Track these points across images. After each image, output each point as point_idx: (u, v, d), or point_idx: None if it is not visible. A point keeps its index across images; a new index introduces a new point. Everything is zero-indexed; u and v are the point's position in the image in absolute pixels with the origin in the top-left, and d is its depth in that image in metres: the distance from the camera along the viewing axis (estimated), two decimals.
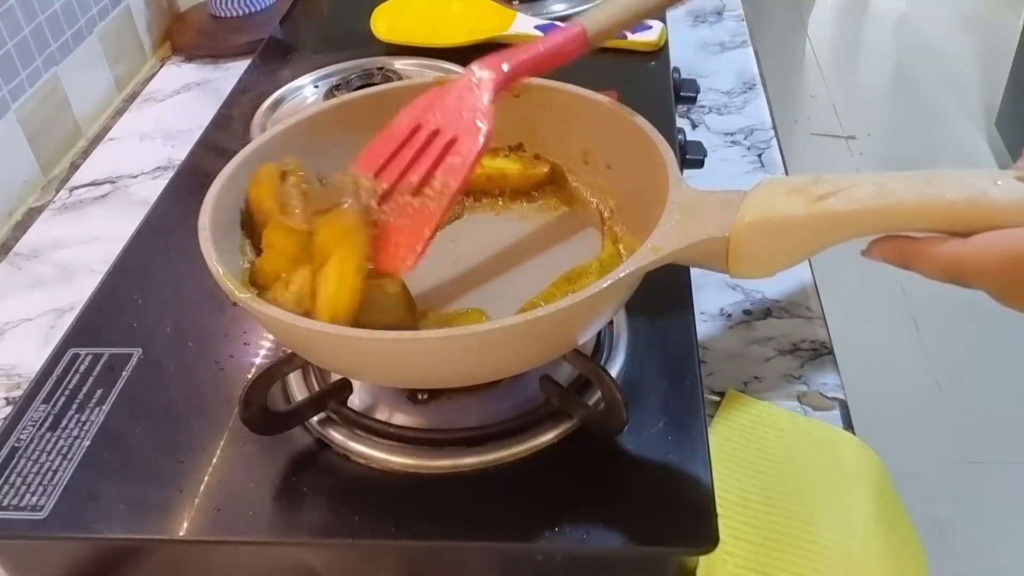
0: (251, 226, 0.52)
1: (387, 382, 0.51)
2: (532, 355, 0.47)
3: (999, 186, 0.41)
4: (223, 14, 1.11)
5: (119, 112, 0.98)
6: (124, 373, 0.57)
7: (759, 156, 0.84)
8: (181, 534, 0.47)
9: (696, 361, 0.54)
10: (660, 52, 0.88)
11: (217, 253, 0.46)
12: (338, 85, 0.85)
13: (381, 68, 0.88)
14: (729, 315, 0.66)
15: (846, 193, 0.43)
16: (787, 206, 0.44)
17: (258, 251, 0.50)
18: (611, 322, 0.57)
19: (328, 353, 0.47)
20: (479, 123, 0.48)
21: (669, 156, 0.51)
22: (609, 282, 0.43)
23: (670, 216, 0.47)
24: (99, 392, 0.55)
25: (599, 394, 0.51)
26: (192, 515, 0.48)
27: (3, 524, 0.48)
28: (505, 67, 0.50)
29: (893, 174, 0.44)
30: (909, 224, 0.43)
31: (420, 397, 0.53)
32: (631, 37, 0.88)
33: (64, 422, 0.53)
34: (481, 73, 0.50)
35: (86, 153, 0.92)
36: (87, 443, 0.52)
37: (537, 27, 0.92)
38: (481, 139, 0.48)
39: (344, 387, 0.52)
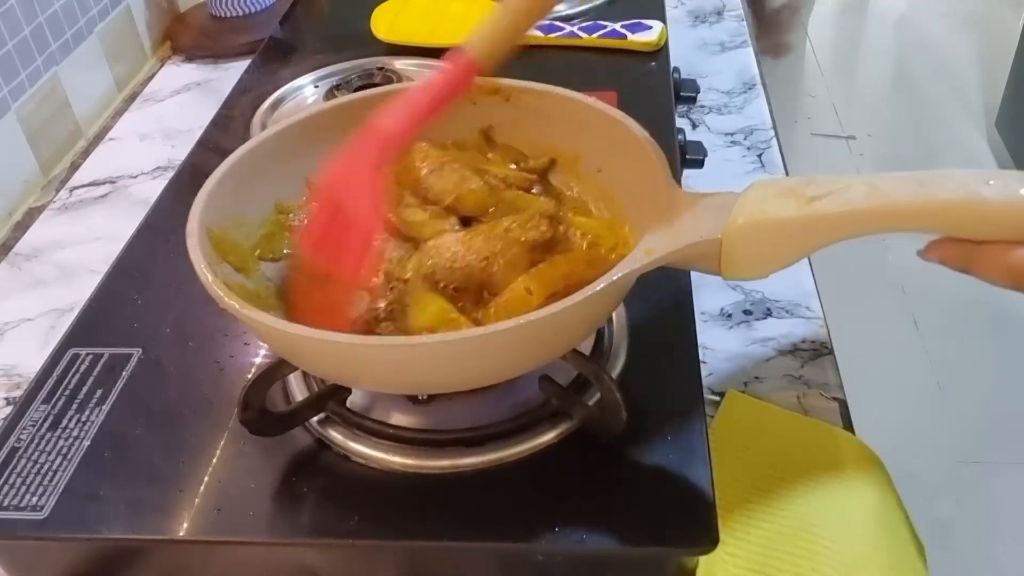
0: None
1: (379, 387, 0.51)
2: (527, 359, 0.47)
3: (991, 186, 0.41)
4: (223, 14, 1.11)
5: (119, 112, 0.98)
6: (124, 373, 0.57)
7: (759, 156, 0.84)
8: (181, 534, 0.47)
9: (696, 361, 0.54)
10: (660, 52, 0.88)
11: (206, 259, 0.46)
12: (338, 85, 0.85)
13: (381, 68, 0.88)
14: (729, 315, 0.66)
15: (838, 195, 0.43)
16: (779, 208, 0.44)
17: None
18: (610, 322, 0.57)
19: (320, 360, 0.47)
20: (371, 211, 0.49)
21: (660, 158, 0.51)
22: (602, 285, 0.43)
23: (662, 219, 0.46)
24: (99, 392, 0.55)
25: (599, 394, 0.51)
26: (192, 515, 0.48)
27: (3, 524, 0.48)
28: (395, 140, 0.50)
29: (886, 175, 0.44)
30: (902, 225, 0.43)
31: (420, 397, 0.53)
32: (631, 37, 0.88)
33: (64, 422, 0.53)
34: (372, 149, 0.50)
35: (86, 153, 0.92)
36: (87, 443, 0.52)
37: (537, 27, 0.92)
38: (368, 234, 0.49)
39: (343, 387, 0.52)
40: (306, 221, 0.53)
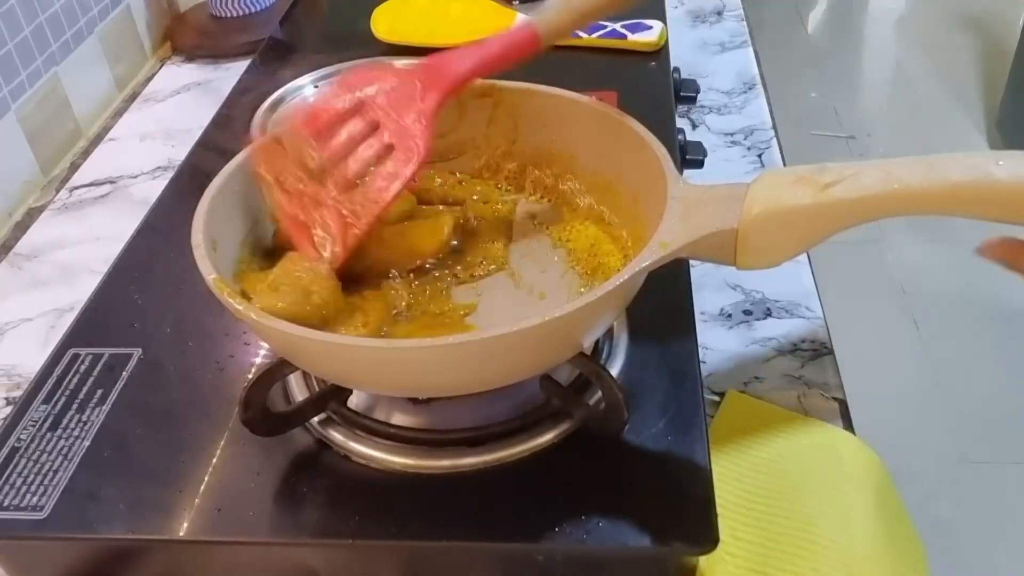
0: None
1: (381, 390, 0.51)
2: (537, 361, 0.47)
3: (1001, 166, 0.41)
4: (223, 14, 1.11)
5: (119, 112, 0.98)
6: (124, 373, 0.57)
7: (759, 156, 0.84)
8: (181, 534, 0.47)
9: (696, 361, 0.54)
10: (660, 52, 0.88)
11: (216, 268, 0.46)
12: None
13: None
14: (729, 315, 0.66)
15: (852, 180, 0.43)
16: (794, 196, 0.44)
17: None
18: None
19: (326, 363, 0.47)
20: (416, 142, 0.47)
21: (662, 153, 0.51)
22: (621, 280, 0.43)
23: (673, 212, 0.47)
24: (99, 392, 0.55)
25: (599, 394, 0.51)
26: (192, 515, 0.48)
27: (3, 524, 0.48)
28: (453, 76, 0.49)
29: (896, 160, 0.44)
30: (915, 208, 0.43)
31: (420, 397, 0.53)
32: (631, 37, 0.88)
33: (64, 422, 0.53)
34: (428, 75, 0.49)
35: (86, 153, 0.92)
36: (87, 443, 0.52)
37: None
38: (411, 166, 0.48)
39: (344, 388, 0.52)
40: (318, 105, 0.51)
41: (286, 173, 0.49)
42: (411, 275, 0.54)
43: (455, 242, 0.56)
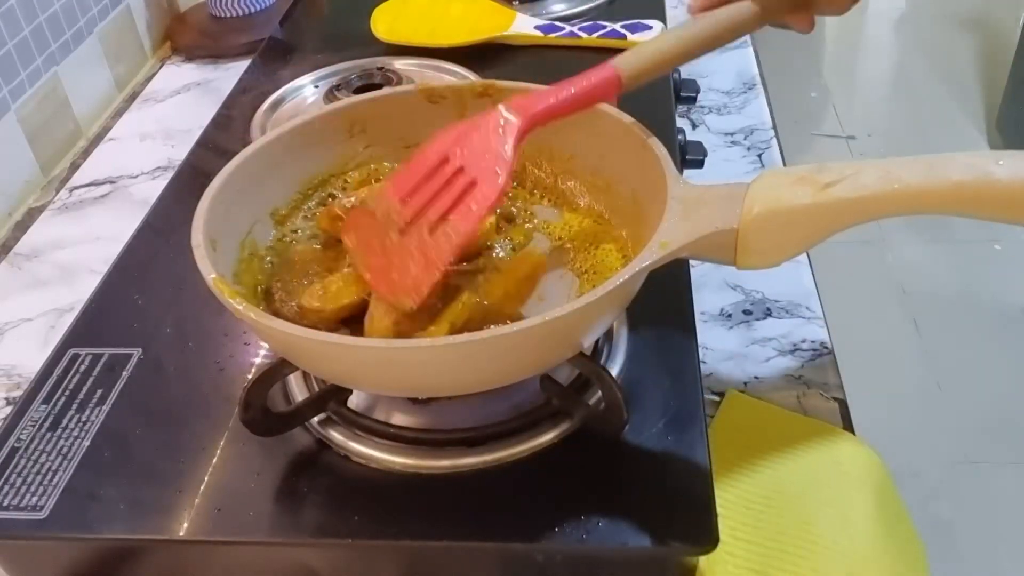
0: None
1: (381, 390, 0.51)
2: (537, 361, 0.47)
3: (1001, 165, 0.41)
4: (223, 14, 1.11)
5: (119, 112, 0.98)
6: (124, 373, 0.57)
7: (759, 156, 0.84)
8: (181, 534, 0.47)
9: (696, 361, 0.54)
10: None
11: (216, 268, 0.46)
12: (338, 85, 0.85)
13: (381, 68, 0.88)
14: (729, 315, 0.66)
15: (852, 180, 0.44)
16: (794, 196, 0.44)
17: None
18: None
19: (326, 363, 0.47)
20: (498, 171, 0.47)
21: (662, 153, 0.51)
22: (621, 280, 0.43)
23: (673, 212, 0.47)
24: (99, 392, 0.55)
25: (599, 394, 0.51)
26: (192, 515, 0.48)
27: (3, 524, 0.48)
28: (532, 112, 0.49)
29: (896, 159, 0.44)
30: (915, 207, 0.43)
31: (420, 397, 0.53)
32: (631, 37, 0.88)
33: (64, 422, 0.53)
34: (508, 116, 0.49)
35: (86, 153, 0.92)
36: (87, 443, 0.52)
37: (537, 27, 0.92)
38: (494, 194, 0.47)
39: (344, 388, 0.52)
40: (403, 170, 0.51)
41: (373, 238, 0.49)
42: None
43: None
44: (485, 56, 0.89)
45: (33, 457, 0.51)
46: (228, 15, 1.11)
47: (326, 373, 0.50)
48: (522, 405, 0.52)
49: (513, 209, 0.59)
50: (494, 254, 0.55)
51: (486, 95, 0.59)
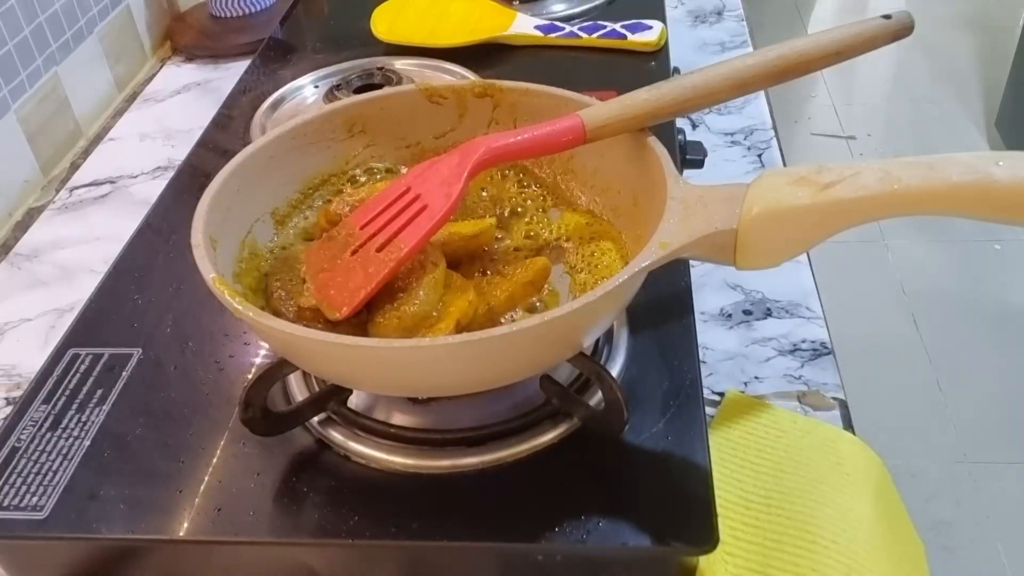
0: None
1: (384, 390, 0.51)
2: (537, 361, 0.47)
3: (1001, 167, 0.41)
4: (223, 14, 1.11)
5: (119, 112, 0.98)
6: (124, 373, 0.57)
7: (759, 156, 0.84)
8: (181, 534, 0.47)
9: (696, 361, 0.54)
10: (660, 52, 0.88)
11: (216, 268, 0.46)
12: (338, 85, 0.85)
13: (381, 68, 0.88)
14: (729, 315, 0.66)
15: (851, 180, 0.44)
16: (794, 196, 0.44)
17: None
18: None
19: (326, 363, 0.47)
20: (448, 194, 0.49)
21: (662, 152, 0.51)
22: (621, 280, 0.43)
23: (673, 212, 0.47)
24: (99, 392, 0.55)
25: (599, 394, 0.51)
26: (192, 515, 0.48)
27: (3, 524, 0.48)
28: (491, 146, 0.51)
29: (895, 160, 0.44)
30: (915, 208, 0.43)
31: (420, 397, 0.53)
32: (631, 37, 0.88)
33: (64, 422, 0.53)
34: (468, 149, 0.51)
35: (86, 153, 0.92)
36: (87, 443, 0.52)
37: (537, 27, 0.92)
38: (440, 211, 0.49)
39: (344, 388, 0.52)
40: (367, 202, 0.54)
41: (328, 258, 0.51)
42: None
43: None
44: (485, 56, 0.89)
45: (33, 457, 0.51)
46: (228, 15, 1.11)
47: (326, 373, 0.50)
48: (522, 405, 0.52)
49: (519, 209, 0.59)
50: (494, 255, 0.55)
51: (486, 95, 0.59)
